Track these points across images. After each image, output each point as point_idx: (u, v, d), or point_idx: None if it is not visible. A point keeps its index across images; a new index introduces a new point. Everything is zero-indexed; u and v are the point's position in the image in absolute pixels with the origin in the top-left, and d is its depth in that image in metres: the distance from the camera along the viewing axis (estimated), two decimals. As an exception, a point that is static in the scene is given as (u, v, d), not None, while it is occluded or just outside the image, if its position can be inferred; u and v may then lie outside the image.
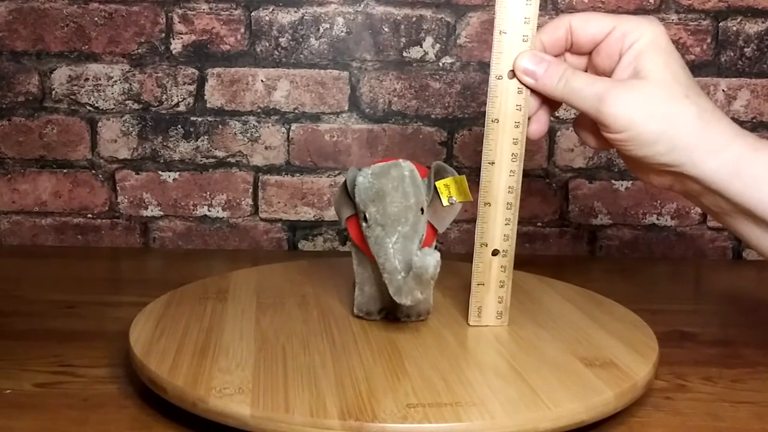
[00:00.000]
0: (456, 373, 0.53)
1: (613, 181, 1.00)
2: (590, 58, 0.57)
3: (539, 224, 1.00)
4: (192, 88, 0.98)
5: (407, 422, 0.46)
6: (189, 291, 0.70)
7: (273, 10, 0.96)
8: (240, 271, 0.78)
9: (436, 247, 0.61)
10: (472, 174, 0.98)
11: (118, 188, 1.00)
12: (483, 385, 0.51)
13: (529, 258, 0.97)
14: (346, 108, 0.99)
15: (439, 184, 0.62)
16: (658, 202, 1.00)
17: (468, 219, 0.99)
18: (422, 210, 0.59)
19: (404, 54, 0.97)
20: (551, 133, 0.98)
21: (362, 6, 0.96)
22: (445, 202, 0.62)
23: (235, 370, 0.52)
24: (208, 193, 1.00)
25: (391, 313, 0.64)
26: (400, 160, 0.60)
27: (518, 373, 0.53)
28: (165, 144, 0.99)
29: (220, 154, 0.99)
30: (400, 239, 0.57)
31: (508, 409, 0.48)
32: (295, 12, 0.96)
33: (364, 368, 0.54)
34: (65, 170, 0.99)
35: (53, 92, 0.98)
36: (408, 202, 0.58)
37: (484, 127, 0.59)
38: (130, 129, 0.99)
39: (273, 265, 0.81)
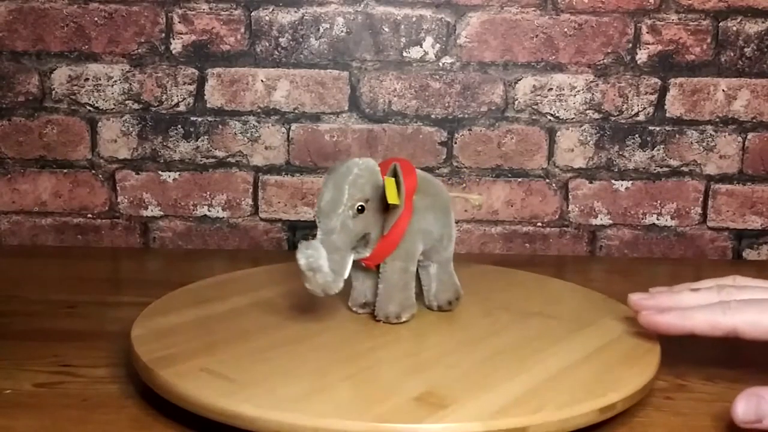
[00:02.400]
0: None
1: (613, 181, 1.00)
2: None
3: (539, 224, 1.00)
4: (192, 88, 0.98)
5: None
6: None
7: (273, 10, 0.96)
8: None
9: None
10: (472, 174, 0.98)
11: (118, 188, 1.00)
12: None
13: (529, 258, 0.97)
14: (346, 108, 0.99)
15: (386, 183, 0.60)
16: (658, 202, 1.00)
17: (468, 219, 0.99)
18: (361, 208, 0.58)
19: (404, 54, 0.97)
20: (551, 133, 0.98)
21: (362, 6, 0.96)
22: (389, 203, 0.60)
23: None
24: (208, 193, 1.00)
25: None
26: (361, 159, 0.59)
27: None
28: (165, 144, 0.99)
29: (220, 154, 0.99)
30: (322, 234, 0.57)
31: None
32: (295, 12, 0.96)
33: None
34: (65, 170, 0.99)
35: (53, 92, 0.98)
36: (341, 197, 0.58)
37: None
38: (130, 129, 0.99)
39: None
